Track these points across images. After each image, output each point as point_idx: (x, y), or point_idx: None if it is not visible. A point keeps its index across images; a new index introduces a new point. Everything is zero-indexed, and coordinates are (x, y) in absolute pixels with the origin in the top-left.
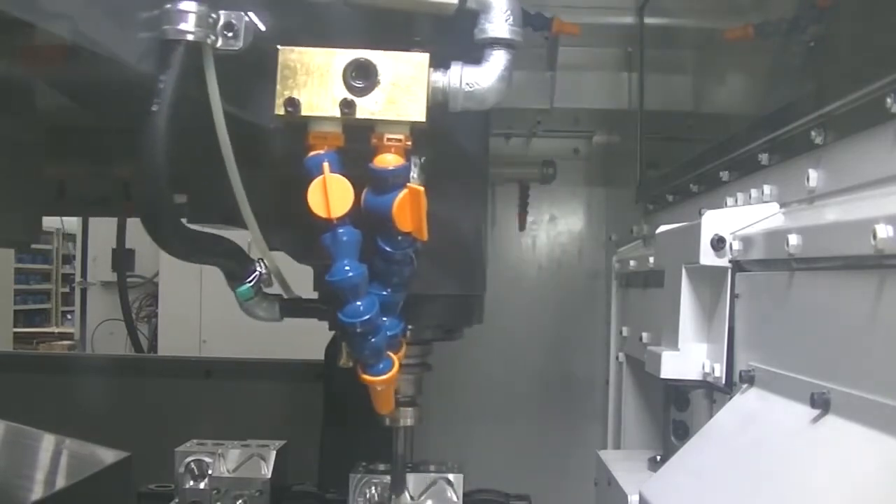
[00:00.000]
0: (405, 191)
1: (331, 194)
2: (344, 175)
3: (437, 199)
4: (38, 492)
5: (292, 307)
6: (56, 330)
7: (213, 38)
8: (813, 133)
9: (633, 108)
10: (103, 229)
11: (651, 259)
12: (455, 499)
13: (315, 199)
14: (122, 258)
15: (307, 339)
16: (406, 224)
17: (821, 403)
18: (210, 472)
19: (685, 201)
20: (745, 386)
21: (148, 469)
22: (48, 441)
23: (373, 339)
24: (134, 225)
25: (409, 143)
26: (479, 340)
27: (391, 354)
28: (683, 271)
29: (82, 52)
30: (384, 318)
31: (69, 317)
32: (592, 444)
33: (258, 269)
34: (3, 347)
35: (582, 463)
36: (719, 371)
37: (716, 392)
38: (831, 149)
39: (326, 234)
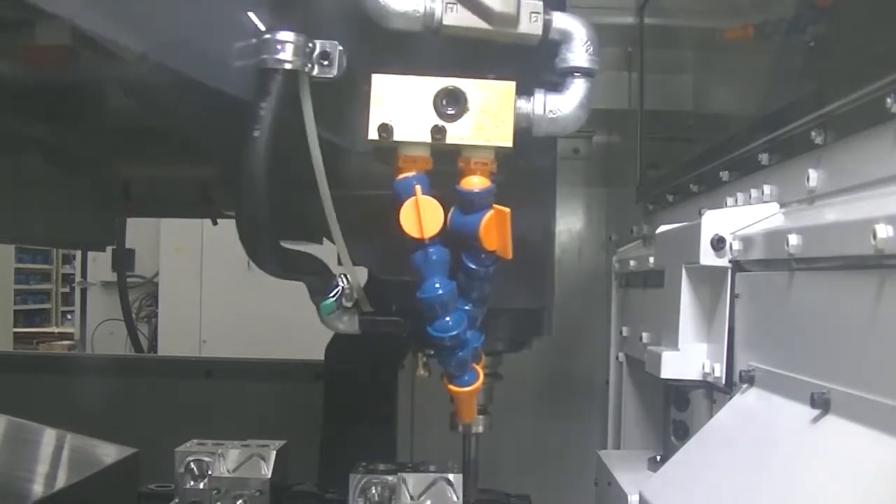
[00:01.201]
0: (492, 211)
1: (423, 215)
2: (432, 196)
3: (511, 215)
4: (49, 487)
5: (371, 321)
6: (56, 330)
7: (309, 66)
8: (813, 133)
9: (633, 108)
10: None
11: (651, 259)
12: (455, 499)
13: (408, 220)
14: (122, 258)
15: (307, 339)
16: (492, 244)
17: (821, 403)
18: (210, 472)
19: (685, 201)
20: (745, 386)
21: (148, 469)
22: (56, 437)
23: (460, 353)
24: (134, 225)
25: (494, 166)
26: None
27: (475, 366)
28: (683, 271)
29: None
30: (467, 332)
31: (69, 317)
32: (592, 444)
33: (340, 283)
34: (3, 347)
35: (582, 463)
36: (719, 371)
37: (716, 392)
38: (831, 149)
39: (418, 254)
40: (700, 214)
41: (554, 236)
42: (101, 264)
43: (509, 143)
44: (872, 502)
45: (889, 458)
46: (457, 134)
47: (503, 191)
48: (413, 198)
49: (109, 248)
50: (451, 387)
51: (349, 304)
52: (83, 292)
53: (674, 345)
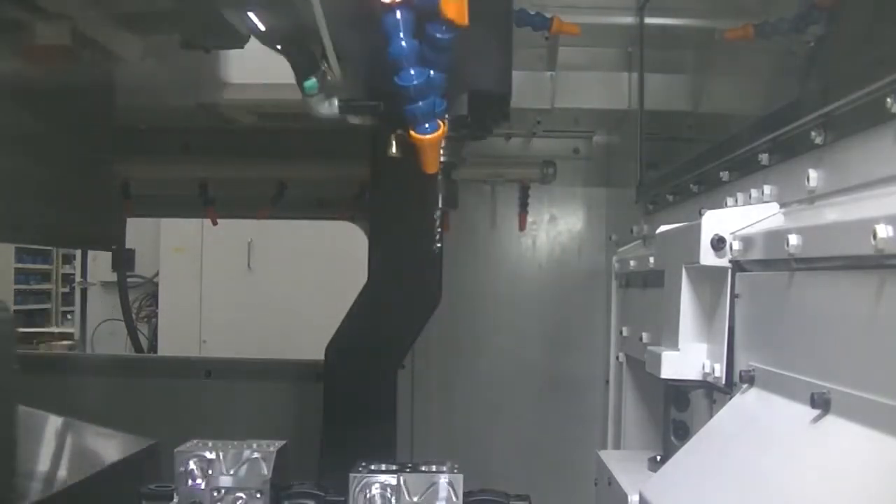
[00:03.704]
0: None
1: None
2: None
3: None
4: (70, 477)
5: (349, 105)
6: (56, 330)
7: None
8: (813, 133)
9: (633, 108)
10: None
11: (651, 259)
12: (455, 499)
13: None
14: (122, 258)
15: (307, 339)
16: (450, 9)
17: (821, 403)
18: (210, 472)
19: (685, 201)
20: (745, 386)
21: (148, 469)
22: (77, 429)
23: (422, 103)
24: (134, 225)
25: None
26: (479, 340)
27: (439, 121)
28: (683, 271)
29: None
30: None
31: (69, 317)
32: (592, 444)
33: (323, 66)
34: None
35: (582, 463)
36: (719, 371)
37: (716, 392)
38: (831, 149)
39: (386, 15)
40: (700, 214)
41: (512, 22)
42: (101, 264)
43: None
44: (872, 502)
45: (889, 458)
46: None
47: None
48: None
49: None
50: (415, 134)
51: (330, 81)
52: (83, 292)
53: (674, 345)
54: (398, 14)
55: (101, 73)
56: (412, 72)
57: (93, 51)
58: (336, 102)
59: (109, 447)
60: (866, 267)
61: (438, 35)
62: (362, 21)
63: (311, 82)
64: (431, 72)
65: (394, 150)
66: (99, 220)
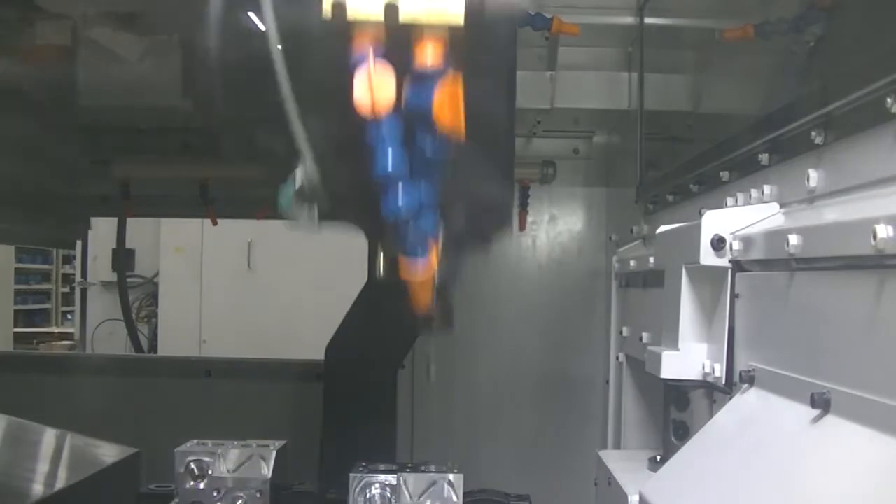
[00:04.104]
0: (444, 87)
1: (376, 88)
2: (384, 71)
3: (468, 100)
4: (49, 487)
5: (332, 215)
6: (56, 330)
7: None
8: (813, 133)
9: (633, 108)
10: (103, 229)
11: (651, 259)
12: (455, 499)
13: (361, 92)
14: (122, 258)
15: (307, 339)
16: (445, 119)
17: (821, 403)
18: (210, 472)
19: (685, 201)
20: (745, 386)
21: (148, 469)
22: (56, 437)
23: (414, 231)
24: (134, 225)
25: (448, 44)
26: (479, 340)
27: (430, 254)
28: (683, 271)
29: None
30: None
31: (69, 317)
32: (592, 444)
33: (300, 175)
34: (3, 347)
35: (582, 463)
36: (719, 371)
37: (716, 392)
38: (831, 149)
39: (371, 127)
40: (700, 214)
41: (513, 129)
42: (101, 264)
43: (460, 21)
44: (872, 502)
45: (889, 458)
46: (409, 11)
47: (459, 72)
48: (365, 70)
49: (110, 249)
50: (406, 270)
51: (308, 196)
52: (83, 292)
53: (674, 345)
54: (384, 128)
55: (64, 73)
56: (401, 195)
57: (92, 51)
58: (316, 214)
59: (89, 457)
60: (866, 267)
61: (431, 147)
62: (343, 133)
63: (287, 197)
64: (422, 187)
65: (382, 271)
66: (59, 221)
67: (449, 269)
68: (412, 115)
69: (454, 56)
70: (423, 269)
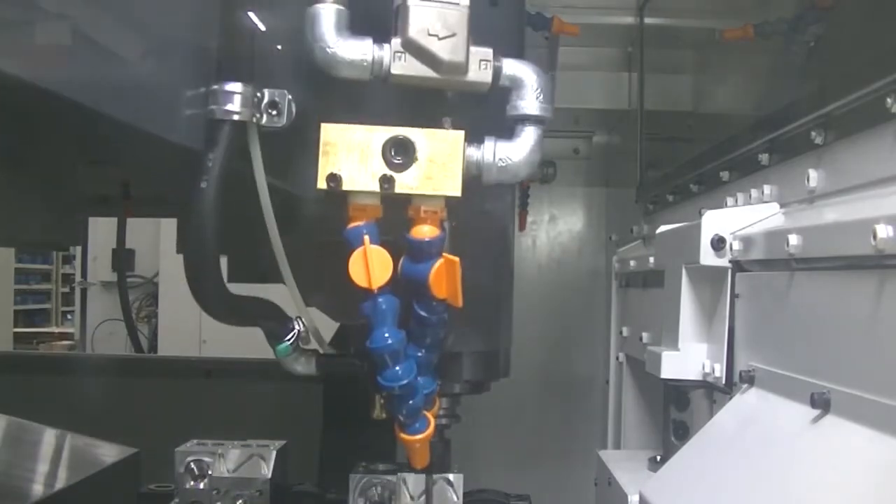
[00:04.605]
0: (441, 260)
1: (371, 266)
2: (382, 244)
3: (465, 261)
4: (49, 487)
5: (329, 363)
6: (56, 330)
7: (258, 116)
8: (813, 133)
9: (633, 108)
10: (103, 229)
11: (651, 259)
12: (455, 499)
13: (356, 270)
14: (122, 258)
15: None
16: (441, 291)
17: (821, 403)
18: (210, 472)
19: (685, 201)
20: (745, 386)
21: (148, 469)
22: (56, 437)
23: (410, 402)
24: (134, 225)
25: (444, 214)
26: None
27: (426, 413)
28: (683, 271)
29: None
30: (419, 379)
31: (69, 317)
32: (592, 444)
33: (296, 327)
34: (3, 347)
35: (582, 463)
36: (719, 371)
37: (716, 392)
38: (831, 149)
39: (367, 304)
40: (700, 214)
41: (512, 277)
42: (101, 264)
43: (458, 193)
44: (872, 502)
45: (889, 458)
46: (406, 183)
47: (459, 234)
48: (361, 248)
49: (110, 248)
50: (403, 435)
51: (306, 347)
52: (83, 292)
53: (674, 345)
54: (381, 304)
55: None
56: (398, 369)
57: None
58: (314, 361)
59: (89, 457)
60: (866, 267)
61: (428, 315)
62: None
63: (284, 346)
64: (420, 352)
65: (378, 412)
66: (57, 223)
67: (447, 413)
68: (408, 284)
69: (451, 226)
70: (422, 434)
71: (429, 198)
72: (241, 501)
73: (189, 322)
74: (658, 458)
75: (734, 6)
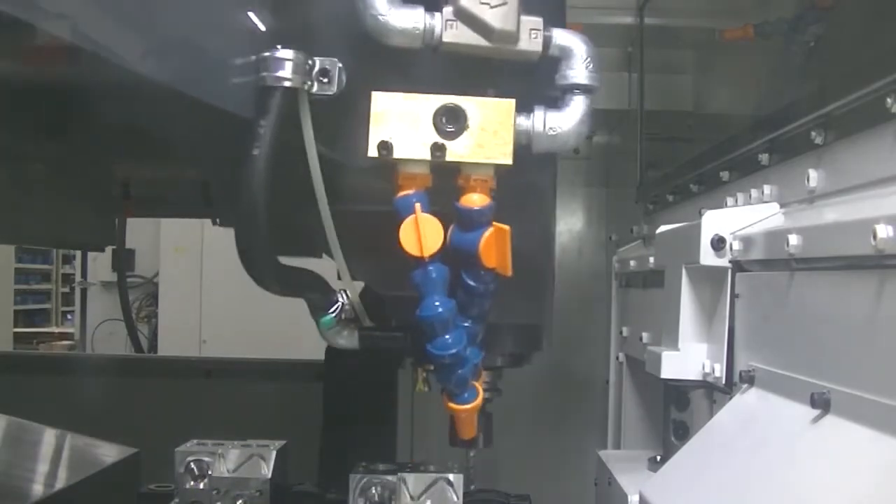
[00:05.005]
0: (491, 229)
1: (423, 234)
2: (431, 213)
3: (511, 231)
4: (49, 487)
5: (371, 336)
6: (56, 330)
7: (308, 83)
8: (813, 133)
9: (633, 108)
10: None
11: (651, 259)
12: (455, 499)
13: (408, 238)
14: (122, 258)
15: (307, 339)
16: (491, 261)
17: (821, 403)
18: (210, 472)
19: (685, 201)
20: (745, 386)
21: (148, 469)
22: (56, 437)
23: (460, 371)
24: (134, 225)
25: (494, 183)
26: None
27: (474, 384)
28: (683, 271)
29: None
30: (467, 349)
31: (69, 317)
32: (592, 444)
33: (340, 299)
34: (3, 347)
35: (582, 463)
36: (719, 371)
37: (716, 392)
38: (831, 149)
39: (417, 272)
40: (700, 214)
41: (553, 251)
42: (101, 264)
43: (509, 161)
44: (872, 502)
45: (889, 458)
46: (457, 151)
47: (503, 206)
48: (413, 216)
49: (109, 248)
50: (452, 405)
51: (349, 319)
52: (83, 292)
53: (674, 345)
54: (432, 272)
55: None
56: (448, 338)
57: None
58: (356, 334)
59: (89, 457)
60: (866, 267)
61: (476, 284)
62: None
63: (329, 318)
64: (467, 322)
65: (421, 386)
66: (94, 222)
67: (490, 386)
68: (457, 254)
69: (499, 194)
70: (471, 404)
71: (479, 166)
72: (241, 501)
73: (189, 322)
74: (658, 458)
75: (734, 6)
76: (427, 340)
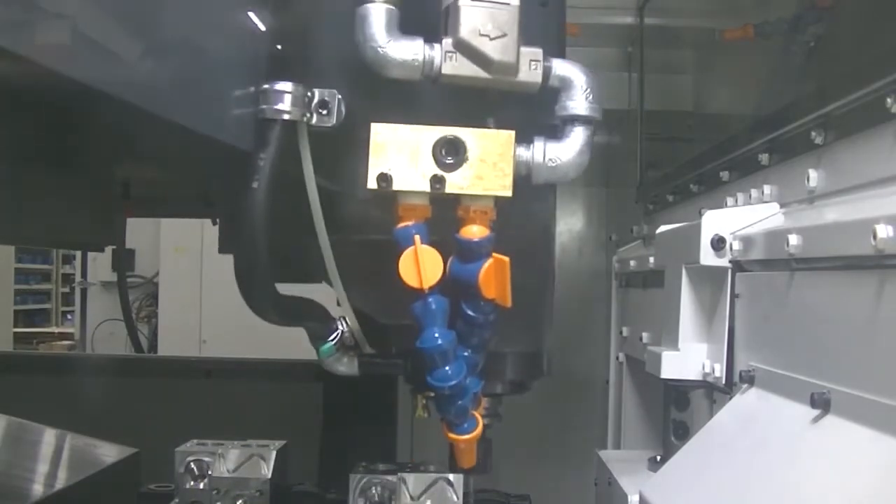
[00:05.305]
0: (490, 260)
1: (422, 265)
2: (431, 244)
3: (510, 262)
4: (49, 487)
5: (372, 363)
6: (56, 330)
7: (308, 115)
8: (813, 133)
9: (633, 108)
10: None
11: (651, 259)
12: (455, 499)
13: (407, 270)
14: (122, 258)
15: (307, 340)
16: (491, 292)
17: (821, 403)
18: (210, 472)
19: (685, 201)
20: (745, 386)
21: (148, 469)
22: (56, 437)
23: (460, 402)
24: (134, 225)
25: (493, 214)
26: None
27: (474, 413)
28: (683, 271)
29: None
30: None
31: (69, 317)
32: (592, 444)
33: (340, 327)
34: (3, 347)
35: (582, 463)
36: (719, 371)
37: (716, 392)
38: (831, 149)
39: (417, 304)
40: (700, 214)
41: (554, 279)
42: (101, 264)
43: (508, 193)
44: (872, 502)
45: (889, 458)
46: (456, 183)
47: (502, 236)
48: (412, 248)
49: (109, 248)
50: (452, 435)
51: (349, 346)
52: (83, 292)
53: (674, 345)
54: (432, 304)
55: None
56: (448, 369)
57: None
58: (356, 361)
59: (89, 457)
60: (866, 267)
61: (475, 314)
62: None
63: (328, 347)
64: (466, 352)
65: (421, 412)
66: (95, 222)
67: (489, 413)
68: (456, 284)
69: (499, 225)
70: (470, 434)
71: (479, 198)
72: (241, 501)
73: (189, 322)
74: (658, 458)
75: (734, 6)
76: (427, 372)
